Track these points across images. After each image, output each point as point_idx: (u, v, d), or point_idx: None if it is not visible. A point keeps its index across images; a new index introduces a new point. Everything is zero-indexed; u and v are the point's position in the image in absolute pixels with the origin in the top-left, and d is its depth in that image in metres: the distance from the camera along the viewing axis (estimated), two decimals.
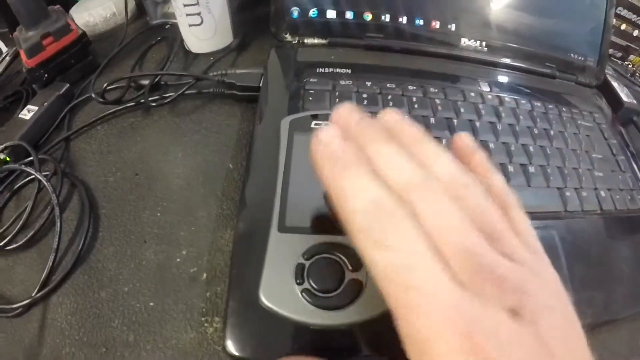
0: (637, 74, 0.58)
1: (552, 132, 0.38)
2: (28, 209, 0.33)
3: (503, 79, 0.43)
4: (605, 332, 0.31)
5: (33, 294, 0.29)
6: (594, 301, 0.30)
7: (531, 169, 0.34)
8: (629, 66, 0.59)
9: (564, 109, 0.41)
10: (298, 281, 0.23)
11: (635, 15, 0.56)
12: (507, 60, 0.43)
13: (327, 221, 0.25)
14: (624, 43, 0.58)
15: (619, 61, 0.59)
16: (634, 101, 0.47)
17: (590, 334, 0.18)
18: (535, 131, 0.37)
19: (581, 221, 0.34)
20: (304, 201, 0.26)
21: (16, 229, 0.32)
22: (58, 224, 0.31)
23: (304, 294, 0.22)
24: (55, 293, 0.29)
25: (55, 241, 0.31)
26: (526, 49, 0.44)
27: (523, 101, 0.40)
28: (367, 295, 0.23)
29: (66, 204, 0.34)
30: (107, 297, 0.29)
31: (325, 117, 0.29)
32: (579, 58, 0.46)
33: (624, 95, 0.47)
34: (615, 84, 0.48)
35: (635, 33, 0.57)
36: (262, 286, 0.23)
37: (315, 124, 0.29)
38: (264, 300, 0.23)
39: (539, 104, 0.40)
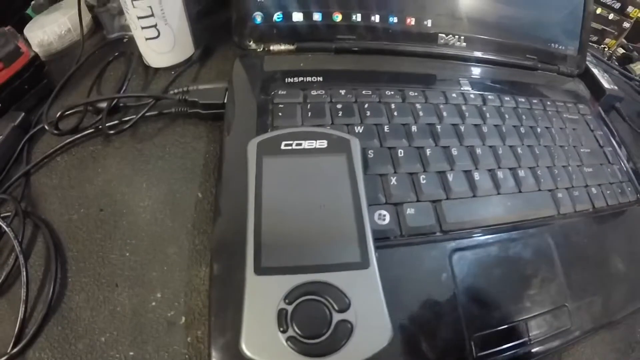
0: (613, 58, 0.57)
1: (538, 130, 0.37)
2: None
3: (484, 74, 0.41)
4: (605, 331, 0.31)
5: (8, 350, 0.27)
6: (593, 306, 0.29)
7: (521, 173, 0.33)
8: (605, 49, 0.58)
9: (548, 103, 0.40)
10: (282, 329, 0.21)
11: None
12: (487, 55, 0.42)
13: (307, 257, 0.23)
14: (599, 27, 0.58)
15: (595, 45, 0.58)
16: (615, 87, 0.47)
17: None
18: (522, 130, 0.36)
19: (575, 222, 0.33)
20: (280, 235, 0.24)
21: None
22: (24, 274, 0.29)
23: (289, 342, 0.21)
24: (31, 348, 0.28)
25: (24, 292, 0.29)
26: (506, 41, 0.42)
27: (507, 98, 0.38)
28: (358, 336, 0.21)
29: (31, 248, 0.32)
30: (85, 348, 0.27)
31: (295, 136, 0.27)
32: (560, 47, 0.44)
33: (605, 81, 0.47)
34: (595, 71, 0.48)
35: (611, 17, 0.56)
36: (244, 336, 0.21)
37: (286, 145, 0.27)
38: (247, 352, 0.21)
39: (522, 99, 0.39)
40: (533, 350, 0.27)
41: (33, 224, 0.33)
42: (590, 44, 0.57)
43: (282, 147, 0.27)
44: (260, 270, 0.23)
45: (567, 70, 0.45)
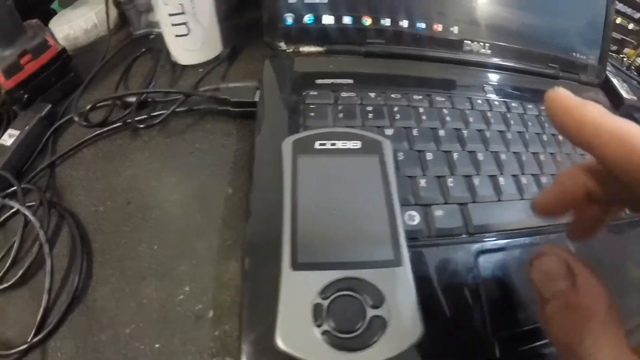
0: (632, 67, 0.57)
1: (560, 138, 0.37)
2: (16, 246, 0.31)
3: (507, 82, 0.42)
4: None
5: (29, 339, 0.27)
6: None
7: (543, 179, 0.33)
8: (624, 59, 0.58)
9: None
10: (317, 323, 0.21)
11: (630, 9, 0.56)
12: (510, 62, 0.42)
13: (342, 254, 0.23)
14: (619, 36, 0.58)
15: (614, 54, 0.59)
16: (634, 97, 0.46)
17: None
18: (545, 138, 0.36)
19: None
20: (316, 232, 0.24)
21: (5, 267, 0.30)
22: (49, 263, 0.29)
23: (324, 336, 0.21)
24: (52, 337, 0.27)
25: (47, 281, 0.29)
26: (529, 49, 0.43)
27: (529, 105, 0.39)
28: (391, 332, 0.21)
29: (55, 238, 0.32)
30: (108, 339, 0.27)
31: (330, 136, 0.28)
32: (581, 56, 0.45)
33: (624, 91, 0.46)
34: (615, 80, 0.47)
35: (631, 26, 0.56)
36: (279, 330, 0.21)
37: (320, 144, 0.27)
38: (282, 345, 0.21)
39: (544, 107, 0.39)
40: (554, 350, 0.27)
41: (58, 214, 0.33)
42: (609, 53, 0.58)
43: (317, 146, 0.27)
44: (296, 265, 0.23)
45: (588, 79, 0.45)
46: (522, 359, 0.26)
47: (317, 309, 0.21)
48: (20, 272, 0.29)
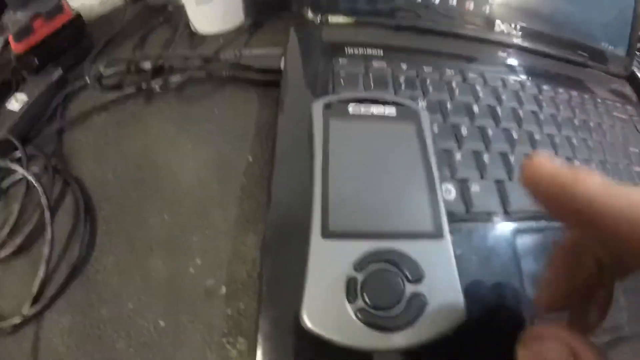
0: None
1: (591, 124, 0.36)
2: (16, 212, 0.29)
3: (537, 65, 0.40)
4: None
5: (24, 311, 0.25)
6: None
7: (576, 163, 0.31)
8: None
9: (598, 100, 0.39)
10: (350, 298, 0.19)
11: None
12: (540, 47, 0.41)
13: (378, 223, 0.21)
14: None
15: None
16: None
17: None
18: (576, 122, 0.35)
19: None
20: (350, 199, 0.22)
21: (4, 235, 0.28)
22: (49, 230, 0.28)
23: (358, 313, 0.18)
24: (50, 310, 0.25)
25: (47, 250, 0.27)
26: (559, 35, 0.41)
27: (560, 90, 0.37)
28: (431, 311, 0.19)
29: (59, 205, 0.30)
30: (110, 315, 0.25)
31: (364, 101, 0.25)
32: (610, 47, 0.44)
33: None
34: None
35: None
36: (305, 305, 0.19)
37: (354, 109, 0.25)
38: (308, 323, 0.18)
39: (575, 93, 0.38)
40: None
41: (63, 180, 0.31)
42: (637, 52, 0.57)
43: (351, 110, 0.25)
44: (328, 233, 0.20)
45: (616, 70, 0.45)
46: None
47: (350, 283, 0.19)
48: (19, 240, 0.27)
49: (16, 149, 0.32)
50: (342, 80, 0.30)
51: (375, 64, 0.32)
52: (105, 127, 0.34)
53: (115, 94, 0.35)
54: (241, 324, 0.24)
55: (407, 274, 0.19)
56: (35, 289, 0.26)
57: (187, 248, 0.27)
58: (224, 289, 0.25)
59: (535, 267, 0.26)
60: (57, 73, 0.37)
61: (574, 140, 0.33)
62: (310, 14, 0.36)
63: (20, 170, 0.30)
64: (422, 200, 0.22)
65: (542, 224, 0.27)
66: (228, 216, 0.28)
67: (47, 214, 0.28)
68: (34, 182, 0.30)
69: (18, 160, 0.32)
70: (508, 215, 0.27)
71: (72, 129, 0.34)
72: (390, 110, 0.25)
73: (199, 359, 0.23)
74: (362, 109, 0.25)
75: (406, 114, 0.25)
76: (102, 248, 0.27)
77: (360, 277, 0.19)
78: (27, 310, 0.25)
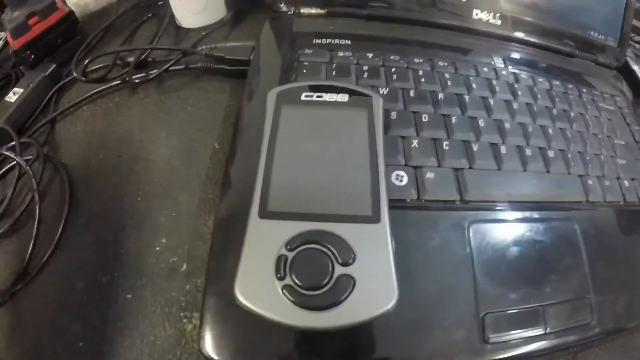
0: None
1: (572, 114, 0.35)
2: (9, 195, 0.31)
3: (518, 55, 0.39)
4: (625, 335, 0.27)
5: (10, 285, 0.27)
6: (617, 304, 0.27)
7: (550, 154, 0.31)
8: None
9: (584, 90, 0.38)
10: (279, 275, 0.19)
11: None
12: (522, 36, 0.40)
13: (315, 206, 0.22)
14: None
15: (637, 44, 0.54)
16: None
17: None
18: (554, 112, 0.34)
19: (604, 213, 0.30)
20: (290, 182, 0.23)
21: None
22: (37, 211, 0.30)
23: (284, 290, 0.19)
24: (32, 284, 0.28)
25: (35, 230, 0.29)
26: (543, 24, 0.40)
27: (540, 79, 0.36)
28: (358, 294, 0.19)
29: (48, 189, 0.32)
30: (85, 287, 0.27)
31: (317, 88, 0.26)
32: (599, 37, 0.42)
33: None
34: (636, 67, 0.44)
35: None
36: (238, 281, 0.20)
37: (306, 96, 0.26)
38: (240, 297, 0.19)
39: (557, 82, 0.37)
40: (548, 341, 0.24)
41: (53, 166, 0.33)
42: (631, 42, 0.54)
43: (303, 97, 0.26)
44: (265, 213, 0.21)
45: (606, 61, 0.43)
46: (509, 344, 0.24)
47: (280, 261, 0.20)
48: (10, 221, 0.30)
49: (12, 138, 0.34)
50: (304, 70, 0.31)
51: (341, 53, 0.32)
52: (93, 117, 0.36)
53: (101, 86, 0.37)
54: (198, 300, 0.25)
55: (337, 255, 0.20)
56: (24, 265, 0.28)
57: (154, 228, 0.29)
58: (185, 266, 0.27)
59: (487, 256, 0.25)
60: (51, 67, 0.40)
61: (550, 131, 0.32)
62: (283, 6, 0.37)
63: (13, 157, 0.33)
64: (364, 184, 0.22)
65: (499, 214, 0.27)
66: (192, 199, 0.30)
67: (36, 197, 0.31)
68: (25, 167, 0.32)
69: (12, 149, 0.34)
70: (465, 203, 0.27)
71: (63, 119, 0.37)
72: (343, 97, 0.26)
73: (158, 331, 0.25)
74: (315, 95, 0.26)
75: (358, 101, 0.26)
76: (83, 228, 0.30)
77: (290, 255, 0.20)
78: (12, 285, 0.27)
